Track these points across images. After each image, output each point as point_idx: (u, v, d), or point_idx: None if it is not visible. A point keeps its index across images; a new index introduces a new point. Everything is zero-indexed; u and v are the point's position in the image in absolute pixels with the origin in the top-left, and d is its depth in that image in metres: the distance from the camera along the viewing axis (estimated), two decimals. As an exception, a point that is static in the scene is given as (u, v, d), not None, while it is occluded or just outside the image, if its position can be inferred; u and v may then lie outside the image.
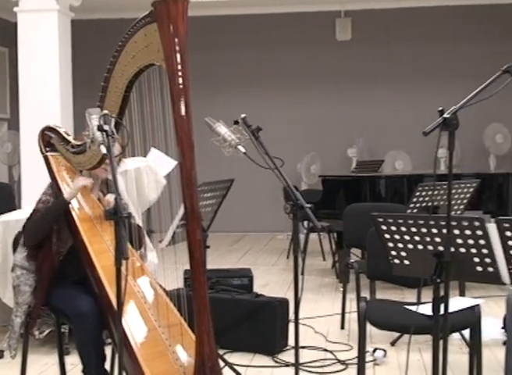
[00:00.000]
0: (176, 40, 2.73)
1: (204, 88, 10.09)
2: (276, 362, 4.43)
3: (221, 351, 4.17)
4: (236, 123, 3.25)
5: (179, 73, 2.73)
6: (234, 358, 4.42)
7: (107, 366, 3.40)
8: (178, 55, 2.73)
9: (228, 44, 10.74)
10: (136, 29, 2.87)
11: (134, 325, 3.03)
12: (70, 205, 3.34)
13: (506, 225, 2.56)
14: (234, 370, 3.99)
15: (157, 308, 3.15)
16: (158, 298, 3.22)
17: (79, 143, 3.32)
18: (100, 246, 3.27)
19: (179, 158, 2.76)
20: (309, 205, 3.04)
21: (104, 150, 2.73)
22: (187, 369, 2.91)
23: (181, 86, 2.73)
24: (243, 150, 3.24)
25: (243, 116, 3.23)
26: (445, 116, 2.53)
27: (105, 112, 2.81)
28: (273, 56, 10.74)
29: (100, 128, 2.74)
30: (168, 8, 2.72)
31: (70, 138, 3.42)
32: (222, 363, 3.69)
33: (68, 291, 3.33)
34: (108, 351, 3.40)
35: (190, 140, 2.76)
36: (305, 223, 7.37)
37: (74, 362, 3.93)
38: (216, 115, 3.48)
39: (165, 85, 2.78)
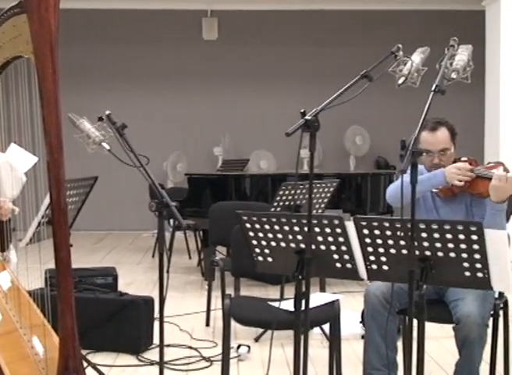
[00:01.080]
0: (47, 33, 2.62)
1: (69, 84, 9.84)
2: (140, 360, 4.41)
3: (84, 352, 4.10)
4: (101, 119, 3.21)
5: (49, 67, 2.64)
6: (98, 358, 4.36)
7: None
8: (47, 49, 2.63)
9: (93, 38, 10.53)
10: (4, 19, 2.75)
11: (-6, 326, 2.95)
12: None
13: (363, 223, 2.68)
14: (97, 370, 3.94)
15: (19, 308, 3.06)
16: (21, 298, 3.14)
17: None
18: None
19: (47, 154, 2.68)
20: (174, 204, 3.06)
21: None
22: (50, 371, 2.85)
23: (50, 80, 2.65)
24: (107, 147, 3.21)
25: (107, 112, 3.20)
26: (306, 117, 2.60)
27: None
28: (139, 53, 10.64)
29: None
30: (40, -1, 2.64)
31: None
32: (85, 364, 3.64)
33: None
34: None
35: (58, 136, 2.67)
36: (171, 221, 7.37)
37: None
38: (80, 111, 3.42)
39: (33, 79, 2.70)
